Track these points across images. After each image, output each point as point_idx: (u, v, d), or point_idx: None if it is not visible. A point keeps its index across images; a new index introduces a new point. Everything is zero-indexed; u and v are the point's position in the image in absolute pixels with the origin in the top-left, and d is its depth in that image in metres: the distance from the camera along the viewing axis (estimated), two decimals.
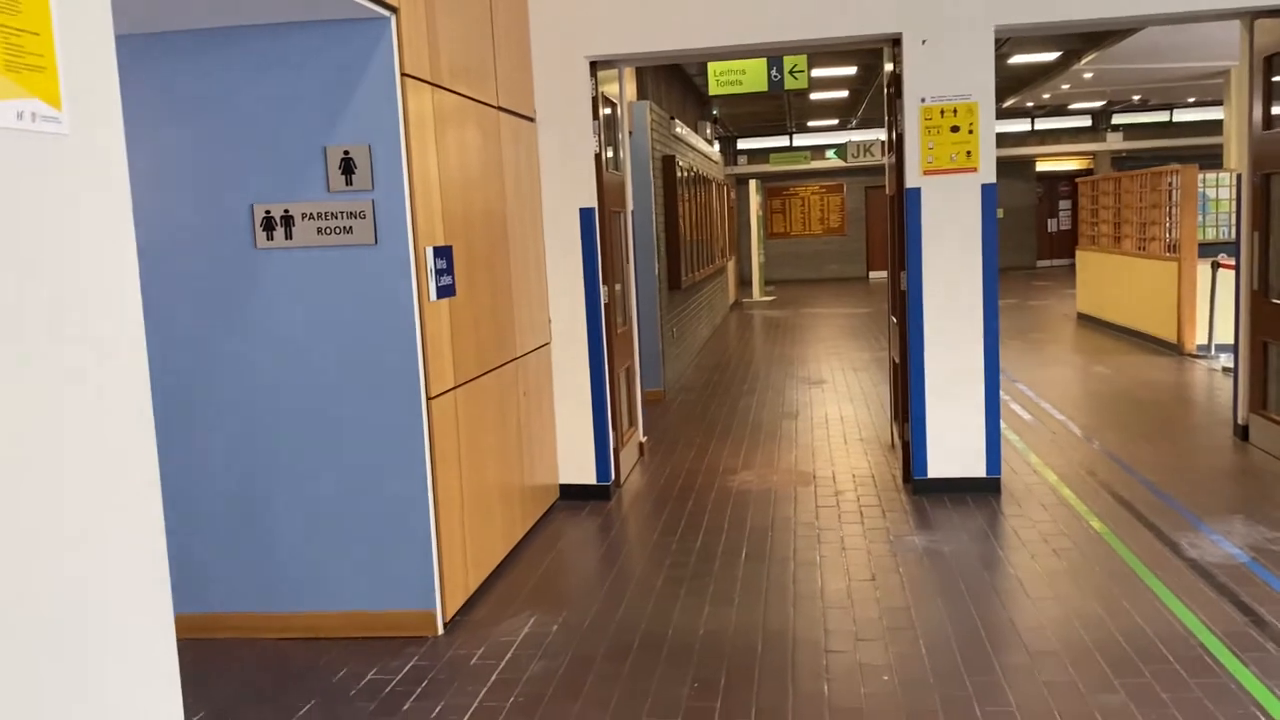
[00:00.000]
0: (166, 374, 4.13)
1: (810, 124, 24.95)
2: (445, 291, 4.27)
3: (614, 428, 6.22)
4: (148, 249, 4.08)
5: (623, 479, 6.46)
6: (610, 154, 6.63)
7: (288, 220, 4.03)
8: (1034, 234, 26.04)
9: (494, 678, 3.76)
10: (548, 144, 5.93)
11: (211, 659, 4.05)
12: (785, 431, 7.83)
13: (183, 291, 4.11)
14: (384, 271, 4.01)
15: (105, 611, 1.89)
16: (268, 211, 4.04)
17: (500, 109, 5.19)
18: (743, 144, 26.07)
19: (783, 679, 3.65)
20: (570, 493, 6.12)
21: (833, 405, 8.82)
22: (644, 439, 7.33)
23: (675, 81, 14.88)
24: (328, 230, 4.02)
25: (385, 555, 4.14)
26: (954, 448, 5.81)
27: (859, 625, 4.08)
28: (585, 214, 5.97)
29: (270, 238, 4.05)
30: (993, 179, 5.61)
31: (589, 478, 6.12)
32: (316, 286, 4.05)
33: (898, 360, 6.23)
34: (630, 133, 9.06)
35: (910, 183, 5.68)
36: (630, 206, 7.11)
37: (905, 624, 4.07)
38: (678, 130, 11.00)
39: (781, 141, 26.03)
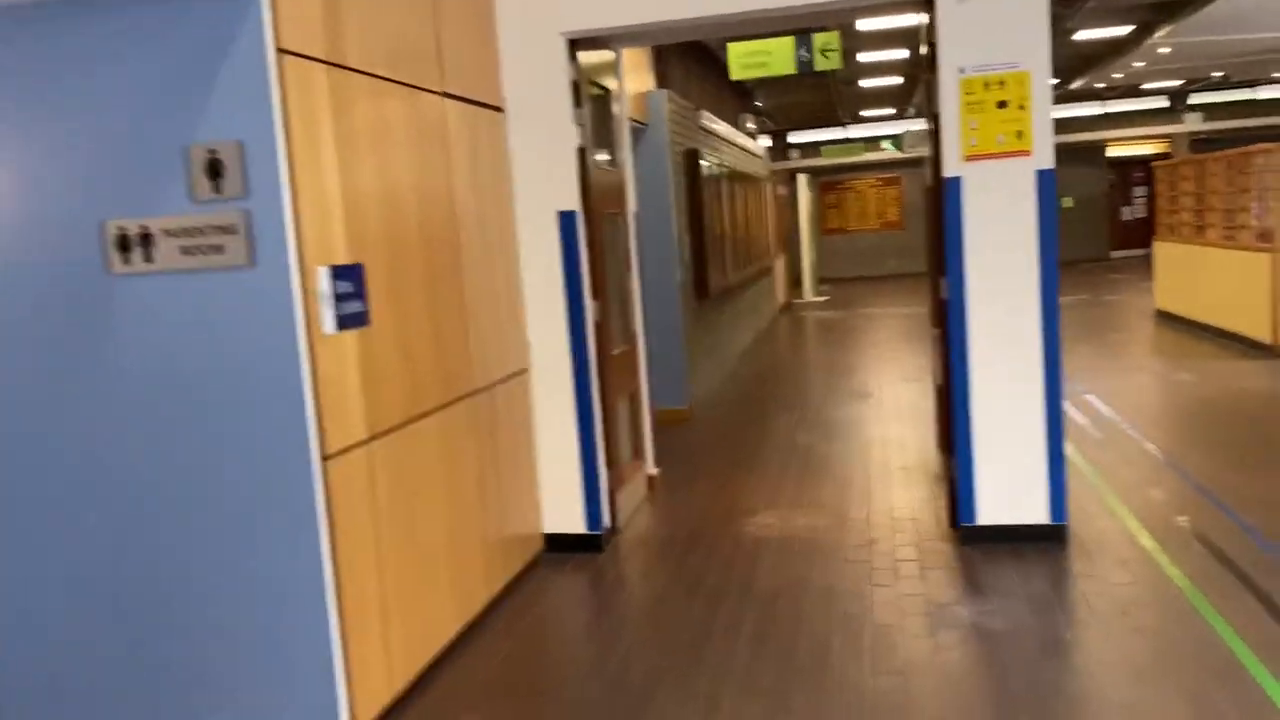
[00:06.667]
0: None
1: (864, 114, 23.80)
2: (352, 321, 3.43)
3: (609, 466, 5.34)
4: None
5: (621, 523, 5.56)
6: (606, 151, 5.75)
7: (146, 239, 3.22)
8: (1107, 223, 24.53)
9: None
10: (519, 138, 5.05)
11: None
12: (819, 458, 6.87)
13: (18, 333, 3.32)
14: (262, 299, 3.18)
15: None
16: (122, 228, 3.23)
17: (446, 95, 4.34)
18: (794, 137, 24.96)
19: None
20: (557, 543, 5.23)
21: (876, 425, 7.84)
22: (654, 471, 6.44)
23: (711, 71, 13.93)
24: (194, 249, 3.20)
25: (277, 657, 3.30)
26: (1009, 489, 4.81)
27: None
28: (565, 218, 5.09)
29: (127, 261, 3.24)
30: (1050, 164, 4.61)
31: (577, 526, 5.24)
32: (184, 321, 3.23)
33: (939, 381, 5.25)
34: (645, 125, 8.19)
35: (949, 171, 4.71)
36: (633, 208, 6.22)
37: None
38: (705, 122, 10.07)
39: (836, 133, 24.86)
